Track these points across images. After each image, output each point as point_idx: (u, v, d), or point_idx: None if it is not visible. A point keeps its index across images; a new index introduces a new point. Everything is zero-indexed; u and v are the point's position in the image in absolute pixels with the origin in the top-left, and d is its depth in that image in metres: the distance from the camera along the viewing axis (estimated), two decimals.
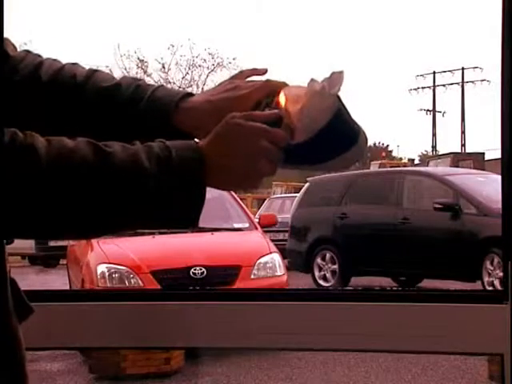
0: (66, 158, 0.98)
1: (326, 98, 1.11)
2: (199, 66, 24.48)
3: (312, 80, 1.13)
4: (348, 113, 1.13)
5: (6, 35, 1.20)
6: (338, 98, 1.12)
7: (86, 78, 1.22)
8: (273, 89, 1.17)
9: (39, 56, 1.26)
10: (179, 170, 1.02)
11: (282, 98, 1.14)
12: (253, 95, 1.18)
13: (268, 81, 1.20)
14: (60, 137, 1.01)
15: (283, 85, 1.17)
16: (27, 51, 1.26)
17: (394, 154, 42.83)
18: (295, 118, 1.11)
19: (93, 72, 1.24)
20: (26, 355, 1.13)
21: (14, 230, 1.02)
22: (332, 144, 1.12)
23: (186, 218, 1.05)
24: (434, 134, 38.93)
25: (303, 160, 1.13)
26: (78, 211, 1.00)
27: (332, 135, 1.11)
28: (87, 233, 1.07)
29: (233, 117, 1.08)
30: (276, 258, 8.22)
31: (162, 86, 1.24)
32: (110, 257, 7.88)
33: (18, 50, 1.28)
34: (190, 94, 1.22)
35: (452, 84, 39.30)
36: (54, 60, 1.26)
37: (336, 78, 1.12)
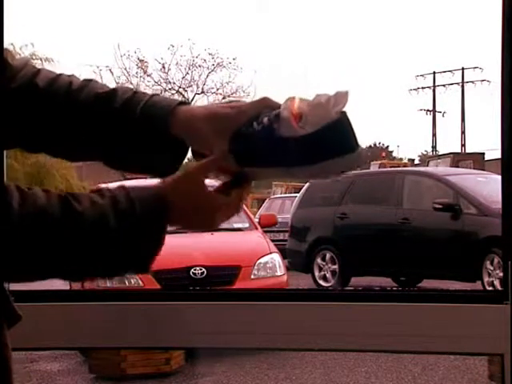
0: (37, 217, 1.03)
1: (330, 110, 1.12)
2: (199, 66, 24.45)
3: (318, 95, 1.15)
4: (351, 126, 1.14)
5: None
6: (345, 113, 1.13)
7: (82, 85, 1.25)
8: (270, 104, 1.19)
9: (36, 67, 1.29)
10: (143, 224, 1.09)
11: (285, 106, 1.15)
12: (250, 108, 1.20)
13: (266, 98, 1.22)
14: (35, 190, 1.05)
15: (280, 104, 1.19)
16: (26, 62, 1.28)
17: (394, 154, 42.84)
18: (297, 123, 1.12)
19: (89, 80, 1.27)
20: (11, 358, 1.17)
21: None
22: (327, 145, 1.13)
23: (143, 266, 1.12)
24: (434, 134, 38.93)
25: (296, 158, 1.14)
26: (44, 266, 1.06)
27: (329, 136, 1.12)
28: (49, 278, 1.13)
29: (192, 171, 1.13)
30: (276, 258, 8.22)
31: (159, 94, 1.27)
32: None
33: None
34: (187, 103, 1.24)
35: (452, 84, 39.29)
36: (51, 71, 1.29)
37: (341, 97, 1.13)
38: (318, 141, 1.12)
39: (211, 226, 1.17)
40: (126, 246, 1.08)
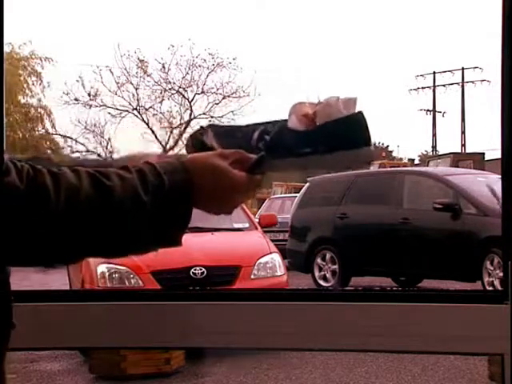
0: (72, 197, 1.03)
1: (340, 110, 1.15)
2: (199, 66, 24.41)
3: (326, 98, 1.19)
4: (366, 123, 1.15)
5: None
6: (361, 112, 1.14)
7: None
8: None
9: None
10: (172, 197, 1.09)
11: (293, 110, 1.19)
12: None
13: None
14: (64, 170, 1.05)
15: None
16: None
17: (394, 154, 42.78)
18: (308, 123, 1.15)
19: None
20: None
21: (25, 262, 1.08)
22: (340, 136, 1.15)
23: (175, 239, 1.14)
24: (434, 134, 38.89)
25: (308, 147, 1.15)
26: (82, 244, 1.06)
27: (343, 128, 1.15)
28: (88, 257, 1.13)
29: (220, 159, 1.15)
30: (276, 258, 8.22)
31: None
32: None
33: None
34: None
35: (452, 84, 39.23)
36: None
37: (350, 103, 1.17)
38: (331, 131, 1.14)
39: (230, 205, 1.17)
40: (157, 219, 1.08)
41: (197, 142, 1.19)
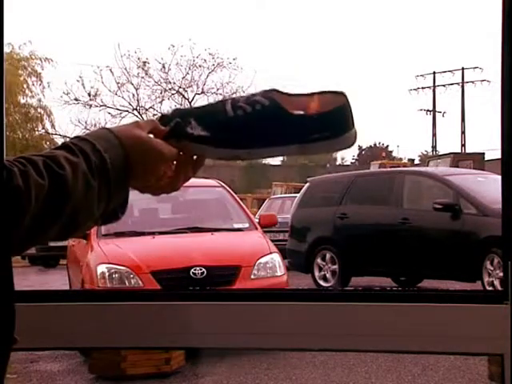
0: (39, 195, 1.06)
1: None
2: (199, 66, 24.42)
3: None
4: (351, 112, 1.16)
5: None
6: (345, 96, 1.15)
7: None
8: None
9: None
10: (114, 175, 1.13)
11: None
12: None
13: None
14: (27, 168, 1.07)
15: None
16: None
17: (394, 154, 42.79)
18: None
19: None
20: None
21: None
22: (334, 126, 1.15)
23: (116, 215, 1.18)
24: (434, 134, 38.91)
25: (300, 132, 1.16)
26: (42, 234, 1.10)
27: (337, 118, 1.16)
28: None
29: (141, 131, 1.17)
30: (276, 258, 8.22)
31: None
32: (110, 257, 7.88)
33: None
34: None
35: (452, 84, 39.26)
36: None
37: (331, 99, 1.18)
38: (327, 120, 1.14)
39: (156, 175, 1.17)
40: (102, 198, 1.12)
41: (181, 134, 1.17)
